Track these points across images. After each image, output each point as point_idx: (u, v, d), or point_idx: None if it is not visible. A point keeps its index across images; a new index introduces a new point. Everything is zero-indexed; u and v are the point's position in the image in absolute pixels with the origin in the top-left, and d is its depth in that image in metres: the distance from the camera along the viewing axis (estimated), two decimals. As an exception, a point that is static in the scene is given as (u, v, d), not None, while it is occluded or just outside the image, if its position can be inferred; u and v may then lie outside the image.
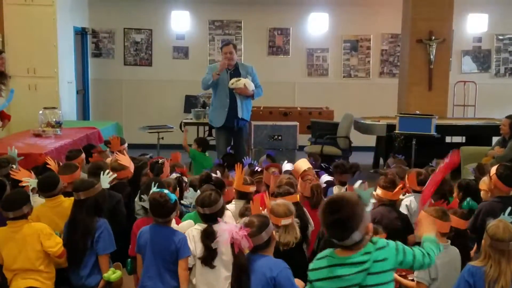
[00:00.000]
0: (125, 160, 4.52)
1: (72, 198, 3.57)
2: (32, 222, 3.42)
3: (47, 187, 3.69)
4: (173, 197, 3.30)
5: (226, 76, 6.80)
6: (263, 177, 4.32)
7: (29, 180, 3.73)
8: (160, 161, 4.34)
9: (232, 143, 7.03)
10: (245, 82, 6.71)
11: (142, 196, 3.52)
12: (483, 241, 2.85)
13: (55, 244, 3.35)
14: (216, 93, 6.92)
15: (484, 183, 3.97)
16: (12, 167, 4.20)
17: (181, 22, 10.19)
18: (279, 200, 3.36)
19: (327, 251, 2.38)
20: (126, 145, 5.69)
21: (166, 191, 3.33)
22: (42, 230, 3.35)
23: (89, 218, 3.40)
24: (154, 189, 3.41)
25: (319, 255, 2.42)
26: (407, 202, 4.13)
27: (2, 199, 3.44)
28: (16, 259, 3.30)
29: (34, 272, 3.31)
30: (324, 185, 4.29)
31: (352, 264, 2.26)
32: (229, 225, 2.74)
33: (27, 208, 3.38)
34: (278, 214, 3.17)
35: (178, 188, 4.04)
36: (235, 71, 6.85)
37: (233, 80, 6.71)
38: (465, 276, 2.80)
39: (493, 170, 3.86)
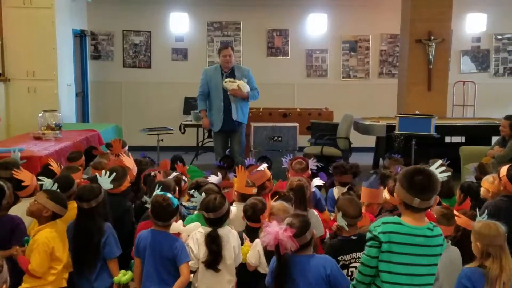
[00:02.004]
0: (129, 161, 4.50)
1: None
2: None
3: (62, 188, 3.64)
4: (176, 202, 3.29)
5: (221, 79, 6.81)
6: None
7: (45, 180, 3.72)
8: (153, 173, 4.29)
9: (229, 145, 7.05)
10: (239, 84, 6.72)
11: (145, 197, 3.50)
12: (477, 244, 2.87)
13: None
14: (211, 97, 6.93)
15: (487, 182, 3.94)
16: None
17: (180, 24, 10.19)
18: (278, 203, 3.33)
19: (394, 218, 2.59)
20: (127, 147, 5.69)
21: (169, 195, 3.30)
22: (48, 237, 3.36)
23: (101, 224, 3.43)
24: (157, 191, 3.39)
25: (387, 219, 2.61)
26: None
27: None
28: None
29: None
30: (314, 188, 4.21)
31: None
32: (273, 227, 2.74)
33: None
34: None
35: (176, 188, 4.03)
36: (231, 74, 6.87)
37: (227, 79, 6.73)
38: (463, 282, 2.80)
39: (504, 171, 3.81)
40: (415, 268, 2.52)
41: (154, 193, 3.36)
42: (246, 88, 6.78)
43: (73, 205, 3.74)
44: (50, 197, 3.35)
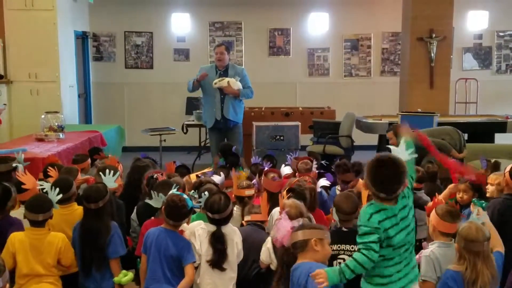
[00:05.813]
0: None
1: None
2: (51, 231, 3.41)
3: (60, 190, 3.60)
4: (191, 204, 3.29)
5: (216, 77, 6.88)
6: (263, 182, 4.13)
7: (43, 184, 3.71)
8: (155, 176, 4.27)
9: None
10: (228, 81, 6.74)
11: (152, 192, 3.48)
12: (456, 244, 2.86)
13: (70, 256, 3.39)
14: (205, 94, 7.04)
15: (493, 176, 3.91)
16: (17, 166, 4.21)
17: (181, 24, 10.21)
18: (291, 200, 3.32)
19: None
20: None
21: (185, 196, 3.30)
22: (64, 241, 3.37)
23: (109, 223, 3.44)
24: (174, 190, 3.39)
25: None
26: None
27: (27, 203, 3.41)
28: (32, 265, 3.28)
29: (48, 276, 3.32)
30: (319, 189, 4.21)
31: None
32: (285, 223, 2.86)
33: (51, 212, 3.40)
34: (290, 217, 3.14)
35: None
36: (225, 72, 6.95)
37: (216, 80, 6.78)
38: (449, 283, 2.79)
39: (508, 167, 3.75)
40: (409, 236, 2.72)
41: (170, 192, 3.35)
42: (236, 85, 6.80)
43: (73, 207, 3.76)
44: None
